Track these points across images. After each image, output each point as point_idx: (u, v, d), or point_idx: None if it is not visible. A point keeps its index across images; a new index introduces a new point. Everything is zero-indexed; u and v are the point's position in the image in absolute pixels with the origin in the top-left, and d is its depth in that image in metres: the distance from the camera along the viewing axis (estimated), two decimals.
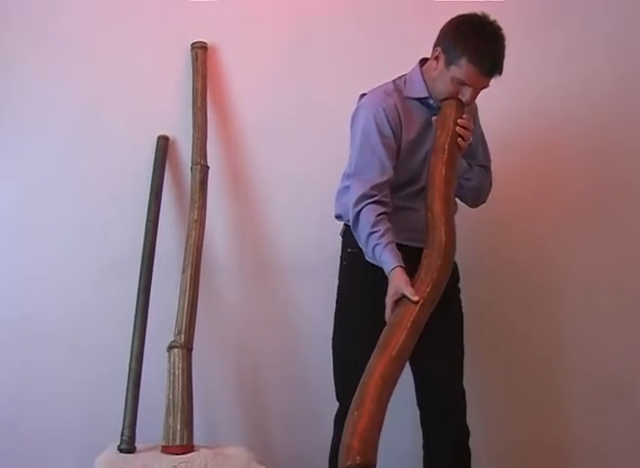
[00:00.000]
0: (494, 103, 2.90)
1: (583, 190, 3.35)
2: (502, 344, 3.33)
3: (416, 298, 2.42)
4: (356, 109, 2.75)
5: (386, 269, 2.52)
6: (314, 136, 3.25)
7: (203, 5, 3.25)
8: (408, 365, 2.75)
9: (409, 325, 2.39)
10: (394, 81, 2.75)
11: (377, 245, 2.54)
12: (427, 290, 2.44)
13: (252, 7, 3.29)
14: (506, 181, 3.16)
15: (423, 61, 2.74)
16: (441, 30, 2.65)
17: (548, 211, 3.34)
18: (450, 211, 2.60)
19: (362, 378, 2.29)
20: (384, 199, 2.61)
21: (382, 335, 2.40)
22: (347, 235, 2.79)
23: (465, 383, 2.75)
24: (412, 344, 2.40)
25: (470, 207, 2.92)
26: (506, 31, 2.59)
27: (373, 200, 2.59)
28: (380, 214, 2.58)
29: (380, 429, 2.23)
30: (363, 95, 2.77)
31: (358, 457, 2.12)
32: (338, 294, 2.84)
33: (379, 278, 2.52)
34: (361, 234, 2.59)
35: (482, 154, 2.86)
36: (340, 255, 2.85)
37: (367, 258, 2.62)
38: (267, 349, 3.26)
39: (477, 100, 2.74)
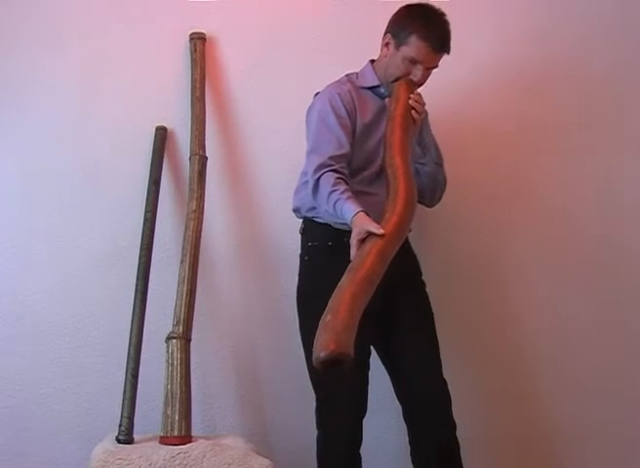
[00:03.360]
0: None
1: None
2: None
3: (381, 232, 2.42)
4: (311, 104, 2.83)
5: (349, 217, 2.51)
6: None
7: None
8: (381, 364, 2.80)
9: (376, 253, 2.40)
10: (347, 75, 2.86)
11: (338, 200, 2.55)
12: (392, 226, 2.46)
13: None
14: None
15: (373, 61, 2.86)
16: (389, 20, 2.78)
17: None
18: (408, 164, 2.64)
19: (332, 297, 2.30)
20: (343, 170, 2.64)
21: (350, 265, 2.40)
22: (307, 231, 2.84)
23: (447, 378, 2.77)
24: (380, 271, 2.40)
25: (427, 205, 2.94)
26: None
27: (331, 168, 2.62)
28: (339, 178, 2.60)
29: (353, 333, 2.22)
30: (317, 93, 2.84)
31: (332, 346, 2.13)
32: (300, 290, 2.83)
33: (343, 267, 2.46)
34: (322, 196, 2.60)
35: (435, 153, 2.92)
36: (299, 254, 2.87)
37: (329, 219, 2.65)
38: (266, 340, 3.26)
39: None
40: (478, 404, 3.26)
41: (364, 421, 2.74)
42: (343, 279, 2.35)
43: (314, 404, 2.77)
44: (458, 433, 2.74)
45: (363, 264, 2.38)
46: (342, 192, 2.56)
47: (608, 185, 3.38)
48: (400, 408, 2.81)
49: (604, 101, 3.39)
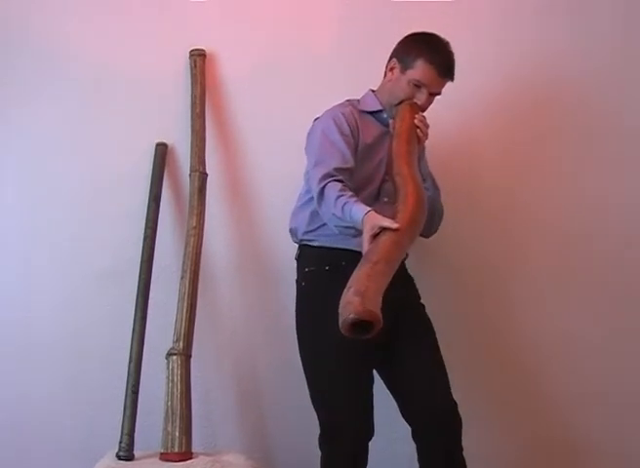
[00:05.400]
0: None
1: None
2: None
3: (396, 226, 2.41)
4: (311, 127, 2.83)
5: (359, 217, 2.48)
6: None
7: (201, 12, 3.27)
8: (387, 390, 2.78)
9: (391, 242, 2.38)
10: (347, 100, 2.87)
11: (346, 203, 2.53)
12: (406, 221, 2.45)
13: (250, 14, 3.31)
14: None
15: (373, 91, 2.89)
16: (395, 47, 2.82)
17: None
18: (417, 173, 2.64)
19: (350, 279, 2.28)
20: (347, 183, 2.62)
21: (365, 254, 2.38)
22: (302, 256, 2.84)
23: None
24: (397, 258, 2.40)
25: (425, 234, 2.88)
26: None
27: (336, 178, 2.60)
28: (345, 186, 2.59)
29: (379, 296, 2.21)
30: (317, 119, 2.84)
31: (360, 307, 2.12)
32: (298, 318, 2.81)
33: (341, 291, 2.41)
34: (329, 202, 2.57)
35: (431, 185, 2.90)
36: (295, 280, 2.86)
37: (335, 225, 2.61)
38: (266, 356, 3.26)
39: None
40: (484, 422, 3.26)
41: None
42: (358, 267, 2.33)
43: (316, 421, 2.75)
44: (465, 451, 2.73)
45: (377, 251, 2.36)
46: (350, 196, 2.55)
47: (607, 199, 3.40)
48: (405, 427, 2.77)
49: (605, 118, 3.41)
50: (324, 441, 2.72)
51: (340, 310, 2.19)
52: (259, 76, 3.29)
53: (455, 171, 3.25)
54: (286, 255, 3.20)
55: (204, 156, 3.19)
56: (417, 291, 2.90)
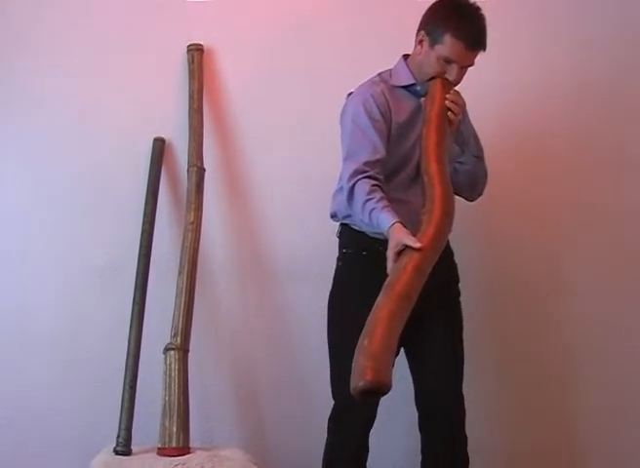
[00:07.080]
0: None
1: (584, 196, 3.36)
2: (504, 350, 3.33)
3: (418, 245, 2.39)
4: (345, 105, 2.77)
5: (385, 227, 2.48)
6: (311, 138, 3.25)
7: (199, 7, 3.26)
8: (406, 363, 2.76)
9: (413, 268, 2.37)
10: (379, 74, 2.79)
11: (373, 209, 2.52)
12: (429, 239, 2.43)
13: (248, 9, 3.30)
14: (503, 187, 3.21)
15: (406, 56, 2.79)
16: (423, 16, 2.71)
17: (547, 216, 3.35)
18: (445, 171, 2.61)
19: (369, 317, 2.27)
20: (378, 175, 2.60)
21: (387, 281, 2.37)
22: (343, 235, 2.80)
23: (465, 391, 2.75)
24: (418, 286, 2.38)
25: (468, 199, 2.88)
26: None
27: (366, 175, 2.58)
28: (374, 185, 2.57)
29: (392, 355, 2.21)
30: (350, 94, 2.78)
31: (370, 376, 2.10)
32: (332, 295, 2.79)
33: (375, 276, 2.47)
34: (357, 204, 2.57)
35: (474, 146, 2.84)
36: (336, 257, 2.83)
37: (364, 228, 2.63)
38: (264, 351, 3.26)
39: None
40: (494, 417, 3.26)
41: (373, 431, 2.71)
42: (380, 296, 2.33)
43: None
44: (472, 445, 2.72)
45: (399, 280, 2.35)
46: (378, 201, 2.53)
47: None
48: (409, 417, 2.78)
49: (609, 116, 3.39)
50: (333, 423, 2.71)
51: (353, 369, 2.18)
52: (256, 71, 3.29)
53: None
54: (284, 250, 3.22)
55: (202, 151, 3.19)
56: (457, 276, 2.86)
